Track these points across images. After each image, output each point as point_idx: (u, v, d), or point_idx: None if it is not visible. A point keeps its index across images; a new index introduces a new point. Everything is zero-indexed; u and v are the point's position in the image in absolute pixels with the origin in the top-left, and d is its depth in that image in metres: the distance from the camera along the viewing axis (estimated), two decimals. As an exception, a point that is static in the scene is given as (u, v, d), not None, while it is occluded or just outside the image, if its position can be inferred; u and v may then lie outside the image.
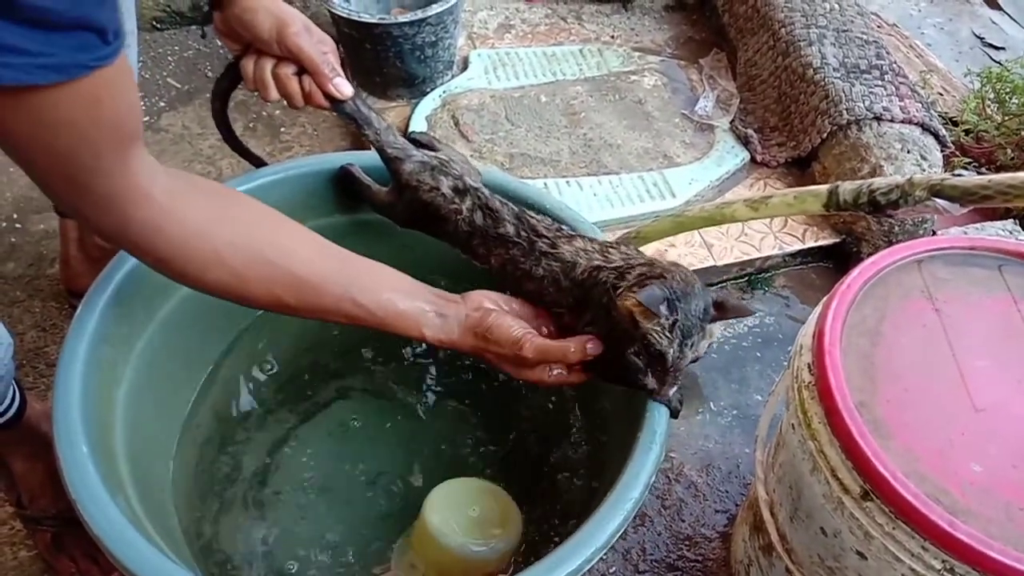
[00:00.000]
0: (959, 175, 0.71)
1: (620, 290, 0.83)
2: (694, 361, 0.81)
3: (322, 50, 0.95)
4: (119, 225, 0.73)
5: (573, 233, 0.94)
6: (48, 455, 1.04)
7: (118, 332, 0.94)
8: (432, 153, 1.01)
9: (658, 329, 0.78)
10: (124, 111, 0.67)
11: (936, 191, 0.71)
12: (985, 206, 0.70)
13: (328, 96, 0.97)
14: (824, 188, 0.79)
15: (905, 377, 0.85)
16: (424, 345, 1.19)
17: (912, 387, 0.85)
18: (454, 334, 0.88)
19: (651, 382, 0.84)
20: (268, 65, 0.96)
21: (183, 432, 1.08)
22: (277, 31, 0.93)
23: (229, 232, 0.80)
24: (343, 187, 1.10)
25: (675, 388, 0.85)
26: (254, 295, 0.83)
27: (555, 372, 0.87)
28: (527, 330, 0.87)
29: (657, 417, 0.87)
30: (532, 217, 0.95)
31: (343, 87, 0.97)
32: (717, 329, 0.80)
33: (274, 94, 0.97)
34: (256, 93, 0.99)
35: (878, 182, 0.74)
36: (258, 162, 1.15)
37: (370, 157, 1.06)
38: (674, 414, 0.90)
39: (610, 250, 0.90)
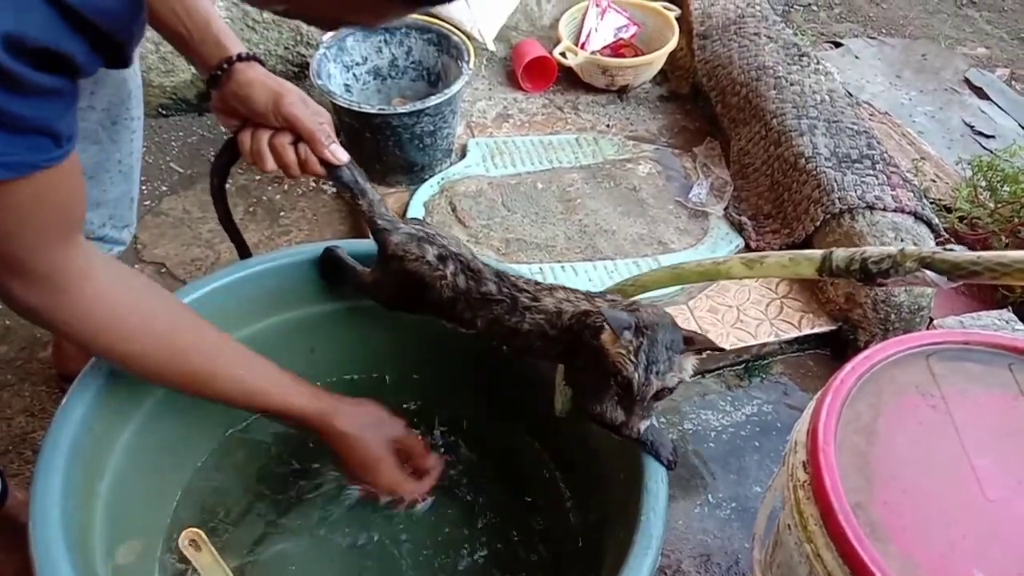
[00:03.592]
0: (950, 250, 0.73)
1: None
2: (661, 395, 0.81)
3: (318, 120, 0.98)
4: (50, 303, 0.78)
5: (553, 285, 0.96)
6: (27, 547, 1.01)
7: (103, 422, 0.93)
8: (419, 225, 1.02)
9: (623, 353, 0.79)
10: (68, 202, 0.73)
11: (927, 263, 0.73)
12: (974, 282, 0.71)
13: (324, 163, 0.99)
14: (818, 253, 0.82)
15: (902, 476, 0.83)
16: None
17: (910, 487, 0.83)
18: (360, 428, 0.98)
19: (619, 415, 0.86)
20: (264, 136, 0.98)
21: (170, 525, 1.05)
22: (273, 102, 0.96)
23: (153, 315, 0.86)
24: (327, 270, 1.10)
25: (645, 423, 0.85)
26: (162, 371, 0.88)
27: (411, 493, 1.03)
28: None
29: (653, 519, 0.85)
30: (511, 274, 0.97)
31: (339, 153, 1.00)
32: (690, 365, 0.82)
33: (271, 164, 0.99)
34: (254, 168, 1.00)
35: (871, 250, 0.77)
36: (242, 247, 1.16)
37: (356, 245, 1.08)
38: (669, 466, 0.91)
39: (596, 298, 0.93)
